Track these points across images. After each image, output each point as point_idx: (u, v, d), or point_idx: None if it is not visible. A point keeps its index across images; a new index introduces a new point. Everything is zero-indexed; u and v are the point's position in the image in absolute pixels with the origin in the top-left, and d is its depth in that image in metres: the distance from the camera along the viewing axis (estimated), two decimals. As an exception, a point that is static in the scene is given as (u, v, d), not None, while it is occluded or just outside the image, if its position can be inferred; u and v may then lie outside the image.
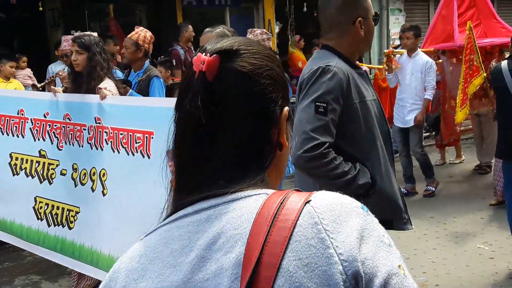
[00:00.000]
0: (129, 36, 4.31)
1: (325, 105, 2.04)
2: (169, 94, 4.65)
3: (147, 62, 4.40)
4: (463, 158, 7.68)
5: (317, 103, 2.05)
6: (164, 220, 0.87)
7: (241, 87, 0.87)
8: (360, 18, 2.24)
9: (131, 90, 3.99)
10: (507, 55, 6.34)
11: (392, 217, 2.29)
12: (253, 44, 0.93)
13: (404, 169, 6.31)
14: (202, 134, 0.86)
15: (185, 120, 0.88)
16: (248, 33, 4.70)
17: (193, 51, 8.38)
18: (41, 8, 7.95)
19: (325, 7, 2.29)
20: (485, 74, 5.54)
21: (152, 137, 3.03)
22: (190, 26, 8.05)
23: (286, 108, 0.92)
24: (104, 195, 3.31)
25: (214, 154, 0.86)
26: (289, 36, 9.82)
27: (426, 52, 6.29)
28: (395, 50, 6.40)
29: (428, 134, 8.33)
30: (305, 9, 9.83)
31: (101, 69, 3.59)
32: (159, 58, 7.42)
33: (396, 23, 9.63)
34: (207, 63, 0.85)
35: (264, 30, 4.74)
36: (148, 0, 8.69)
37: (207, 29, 2.87)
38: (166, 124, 0.96)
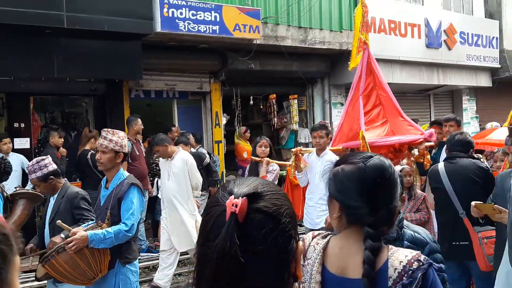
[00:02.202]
0: None
1: None
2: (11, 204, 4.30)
3: None
4: None
5: None
6: None
7: (268, 226, 0.97)
8: None
9: None
10: (416, 153, 6.23)
11: None
12: (270, 185, 1.05)
13: None
14: (236, 270, 0.93)
15: (218, 256, 0.94)
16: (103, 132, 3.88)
17: (141, 144, 8.46)
18: (-16, 102, 8.22)
19: None
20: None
21: None
22: (139, 120, 8.23)
23: (301, 243, 1.03)
24: None
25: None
26: (236, 127, 9.89)
27: (334, 151, 6.15)
28: (304, 149, 6.27)
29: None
30: (251, 102, 9.97)
31: None
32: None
33: (338, 116, 9.62)
34: (241, 206, 0.95)
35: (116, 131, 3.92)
36: (94, 93, 8.90)
37: None
38: None
